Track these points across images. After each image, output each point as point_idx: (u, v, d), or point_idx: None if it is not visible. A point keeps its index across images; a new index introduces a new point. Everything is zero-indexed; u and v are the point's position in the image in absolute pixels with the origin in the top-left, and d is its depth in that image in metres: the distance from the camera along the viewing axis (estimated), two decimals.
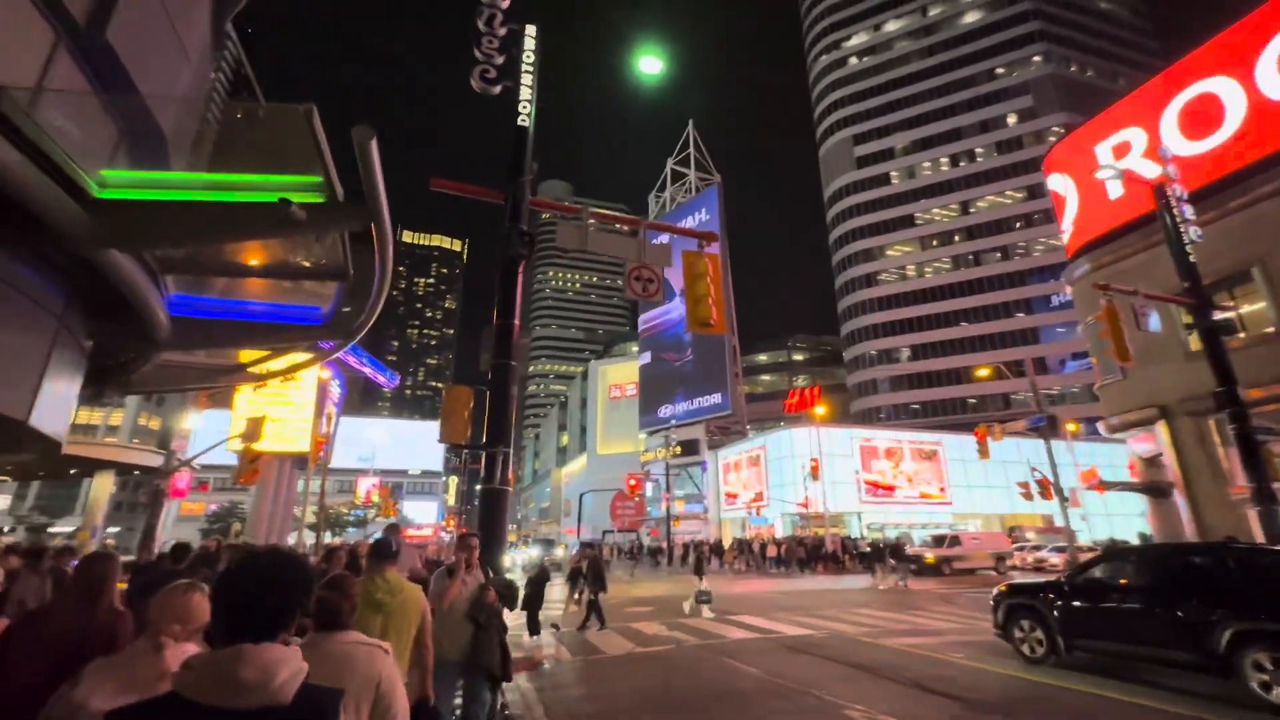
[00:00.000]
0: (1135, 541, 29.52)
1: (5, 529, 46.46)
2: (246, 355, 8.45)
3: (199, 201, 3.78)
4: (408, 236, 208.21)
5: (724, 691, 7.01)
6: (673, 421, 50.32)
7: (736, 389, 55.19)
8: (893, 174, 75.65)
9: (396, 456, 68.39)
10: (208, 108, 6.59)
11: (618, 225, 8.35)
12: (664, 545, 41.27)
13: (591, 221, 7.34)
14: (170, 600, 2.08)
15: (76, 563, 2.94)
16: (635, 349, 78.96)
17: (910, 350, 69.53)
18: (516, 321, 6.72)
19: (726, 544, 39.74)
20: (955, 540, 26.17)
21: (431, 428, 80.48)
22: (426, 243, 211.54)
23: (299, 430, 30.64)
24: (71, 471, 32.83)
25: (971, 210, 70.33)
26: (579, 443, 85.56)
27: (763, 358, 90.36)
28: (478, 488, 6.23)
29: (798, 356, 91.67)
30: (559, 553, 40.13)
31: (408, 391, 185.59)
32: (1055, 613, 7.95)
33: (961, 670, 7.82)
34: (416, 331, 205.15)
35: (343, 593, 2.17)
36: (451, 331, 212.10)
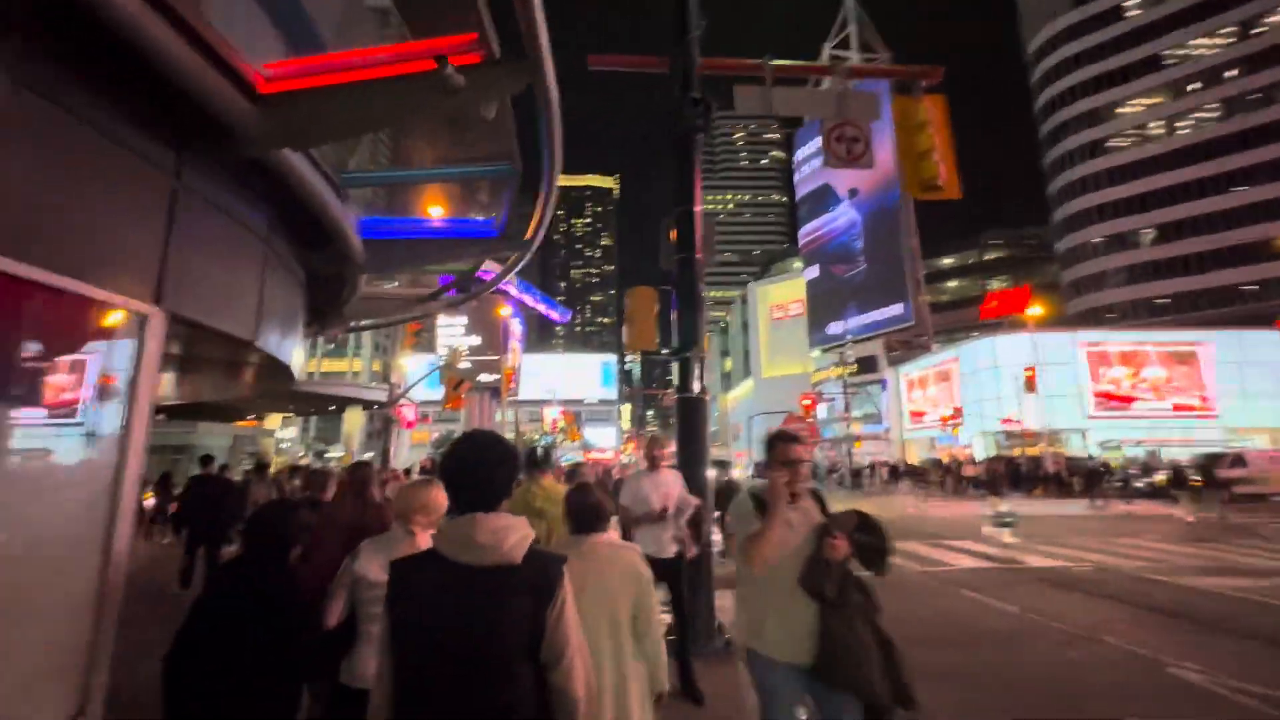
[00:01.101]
0: None
1: (300, 454, 60.18)
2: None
3: (359, 82, 3.31)
4: (561, 180, 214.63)
5: (981, 632, 5.84)
6: (848, 337, 46.61)
7: (919, 298, 49.27)
8: (1127, 4, 58.57)
9: (574, 387, 73.72)
10: None
11: (808, 77, 6.80)
12: (839, 465, 39.39)
13: (773, 74, 5.95)
14: (413, 495, 2.41)
15: (344, 469, 3.72)
16: (797, 265, 74.28)
17: (1155, 231, 55.57)
18: (698, 207, 5.76)
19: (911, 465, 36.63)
20: (1239, 460, 20.81)
21: (600, 361, 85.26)
22: (579, 183, 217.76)
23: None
24: (330, 408, 40.77)
25: (1256, 31, 52.09)
26: (742, 367, 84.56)
27: (948, 261, 79.38)
28: (649, 413, 5.51)
29: (992, 256, 79.05)
30: (735, 474, 40.36)
31: (578, 328, 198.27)
32: None
33: None
34: (579, 272, 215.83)
35: (598, 497, 2.26)
36: (611, 268, 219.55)
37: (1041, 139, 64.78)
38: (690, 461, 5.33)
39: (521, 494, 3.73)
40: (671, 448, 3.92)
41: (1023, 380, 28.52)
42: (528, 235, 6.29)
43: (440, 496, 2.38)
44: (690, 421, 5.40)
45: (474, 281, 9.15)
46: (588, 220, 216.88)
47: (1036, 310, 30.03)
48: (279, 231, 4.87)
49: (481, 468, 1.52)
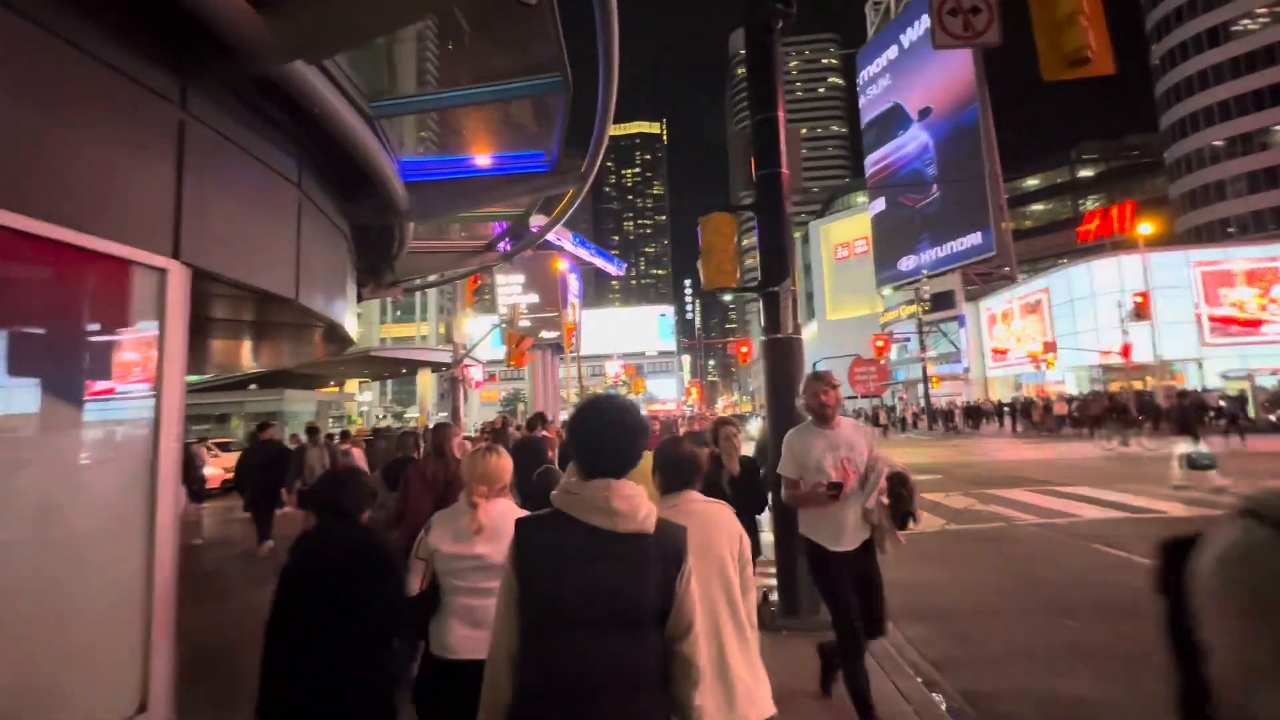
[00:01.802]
0: None
1: (378, 416, 63.81)
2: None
3: None
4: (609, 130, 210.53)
5: (1141, 597, 4.98)
6: (923, 272, 43.48)
7: (1002, 225, 45.12)
8: None
9: (633, 341, 73.65)
10: None
11: None
12: (907, 409, 37.50)
13: None
14: (473, 464, 2.25)
15: (425, 429, 4.25)
16: (861, 200, 69.84)
17: None
18: (780, 113, 4.85)
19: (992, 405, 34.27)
20: None
21: (657, 313, 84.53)
22: (627, 132, 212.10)
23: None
24: (403, 371, 42.52)
25: None
26: (806, 311, 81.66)
27: (1032, 182, 72.10)
28: (710, 364, 4.76)
29: (1085, 173, 71.20)
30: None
31: (633, 281, 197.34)
32: None
33: None
34: (631, 224, 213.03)
35: (690, 449, 2.11)
36: (664, 218, 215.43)
37: (1149, 29, 56.58)
38: (784, 415, 4.64)
39: None
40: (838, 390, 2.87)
41: (1128, 308, 25.61)
42: (583, 167, 5.58)
43: (503, 465, 2.28)
44: (783, 368, 4.67)
45: (527, 230, 8.58)
46: (637, 170, 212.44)
47: (1147, 228, 26.48)
48: (312, 176, 4.39)
49: (623, 435, 1.47)
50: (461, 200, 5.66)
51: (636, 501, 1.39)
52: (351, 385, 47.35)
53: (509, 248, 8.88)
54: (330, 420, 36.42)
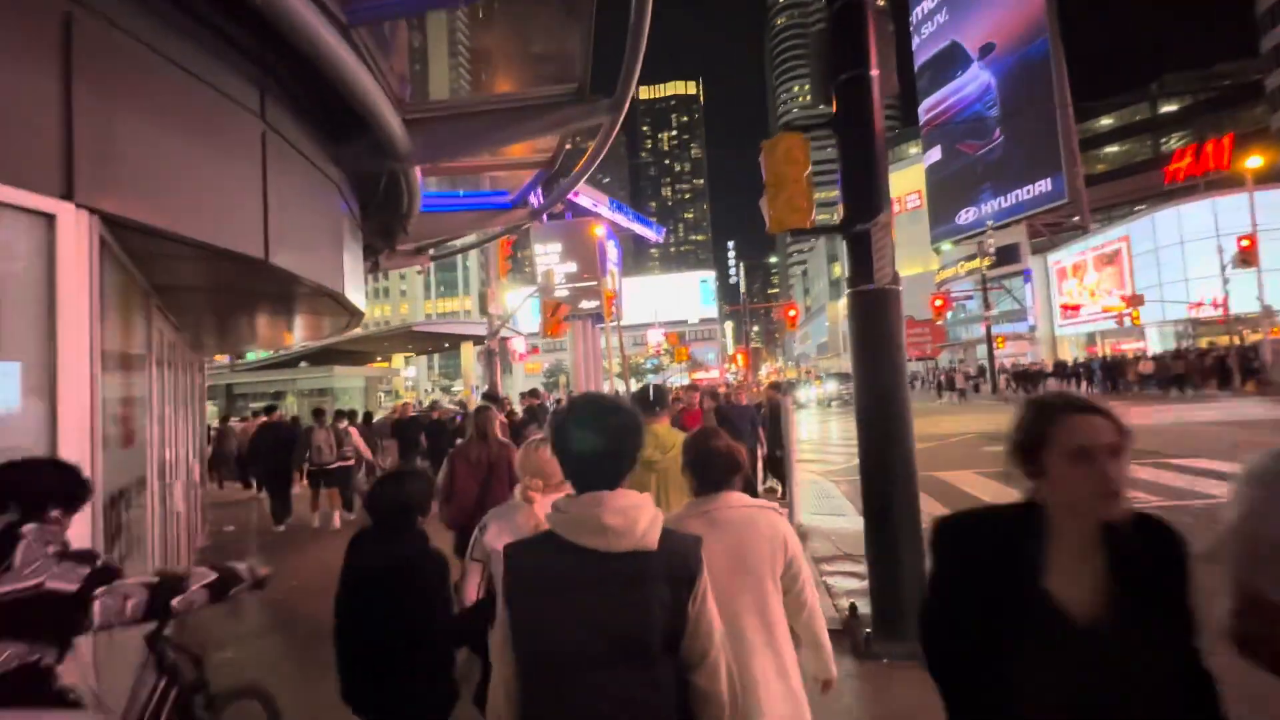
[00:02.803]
0: None
1: (428, 390, 65.41)
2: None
3: None
4: (643, 93, 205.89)
5: None
6: (989, 223, 40.33)
7: (1074, 168, 41.27)
8: None
9: (674, 308, 72.43)
10: None
11: None
12: (962, 373, 35.28)
13: None
14: (525, 458, 2.17)
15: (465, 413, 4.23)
16: (913, 151, 65.58)
17: None
18: None
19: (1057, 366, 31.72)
20: None
21: (699, 278, 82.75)
22: (662, 94, 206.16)
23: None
24: (445, 346, 42.94)
25: None
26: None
27: (1106, 121, 65.63)
28: (754, 330, 3.78)
29: (1169, 107, 64.56)
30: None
31: (672, 249, 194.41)
32: None
33: None
34: (669, 189, 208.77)
35: (726, 443, 1.85)
36: (701, 182, 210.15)
37: None
38: (876, 387, 3.67)
39: None
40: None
41: (1231, 253, 22.83)
42: (616, 90, 4.58)
43: (551, 458, 2.02)
44: (876, 327, 3.66)
45: (556, 183, 7.66)
46: (674, 133, 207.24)
47: (1256, 160, 23.33)
48: (283, 108, 3.58)
49: (604, 439, 1.26)
50: (475, 138, 4.75)
51: (633, 514, 1.22)
52: (397, 360, 48.23)
53: (540, 204, 7.99)
54: (381, 396, 37.13)
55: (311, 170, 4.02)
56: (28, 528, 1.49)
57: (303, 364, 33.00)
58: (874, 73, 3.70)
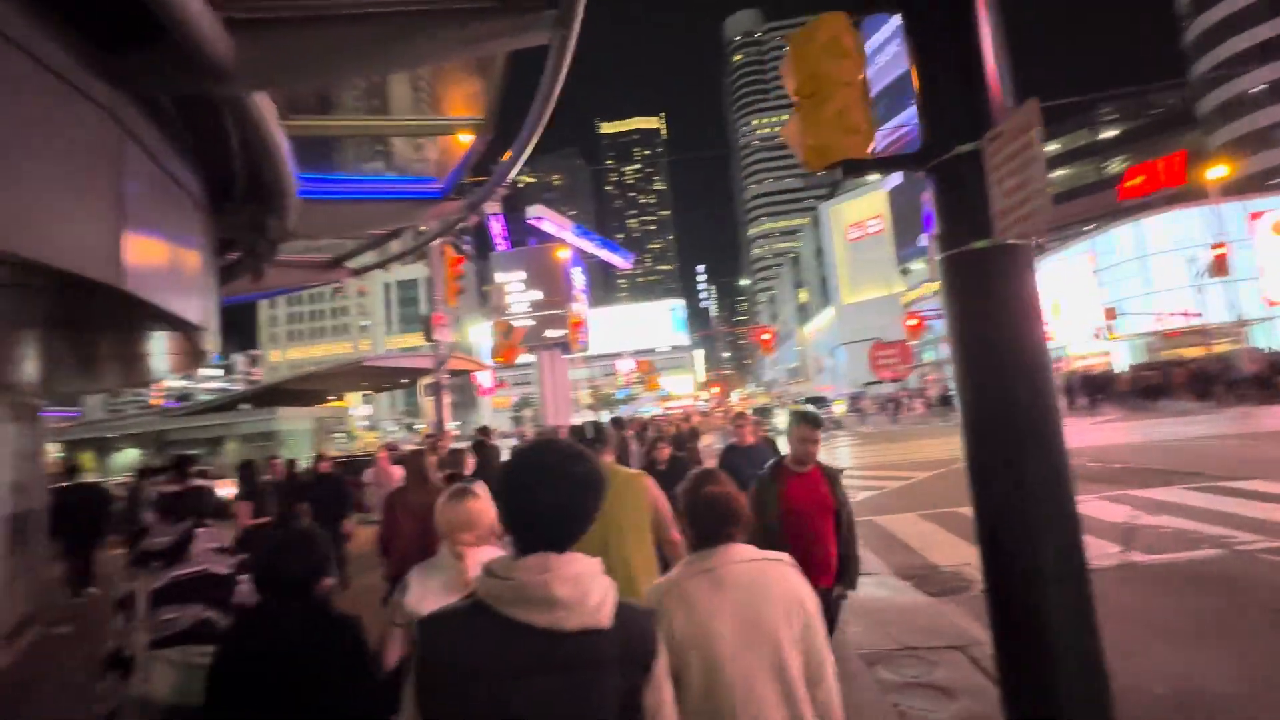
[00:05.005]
0: None
1: (391, 428, 62.48)
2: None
3: None
4: (606, 128, 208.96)
5: None
6: None
7: None
8: None
9: (644, 337, 71.40)
10: None
11: None
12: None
13: None
14: (446, 512, 1.97)
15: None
16: (875, 177, 66.99)
17: None
18: None
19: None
20: None
21: (669, 306, 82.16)
22: (625, 128, 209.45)
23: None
24: (403, 381, 40.53)
25: None
26: (820, 296, 78.96)
27: (1052, 147, 68.87)
28: (724, 355, 2.24)
29: (1109, 133, 68.15)
30: (837, 410, 36.87)
31: (640, 279, 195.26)
32: None
33: None
34: (635, 221, 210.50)
35: (727, 489, 1.55)
36: (667, 213, 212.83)
37: None
38: (992, 384, 2.20)
39: None
40: None
41: (1201, 265, 22.80)
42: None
43: (477, 508, 1.93)
44: (1001, 297, 2.21)
45: (498, 178, 6.13)
46: (637, 166, 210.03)
47: (1221, 171, 23.53)
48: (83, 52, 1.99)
49: (560, 494, 1.06)
50: (348, 54, 3.11)
51: (586, 583, 1.01)
52: (354, 399, 45.43)
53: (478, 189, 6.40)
54: (327, 438, 34.39)
55: (64, 90, 2.40)
56: (199, 530, 2.45)
57: (244, 406, 30.65)
58: None
